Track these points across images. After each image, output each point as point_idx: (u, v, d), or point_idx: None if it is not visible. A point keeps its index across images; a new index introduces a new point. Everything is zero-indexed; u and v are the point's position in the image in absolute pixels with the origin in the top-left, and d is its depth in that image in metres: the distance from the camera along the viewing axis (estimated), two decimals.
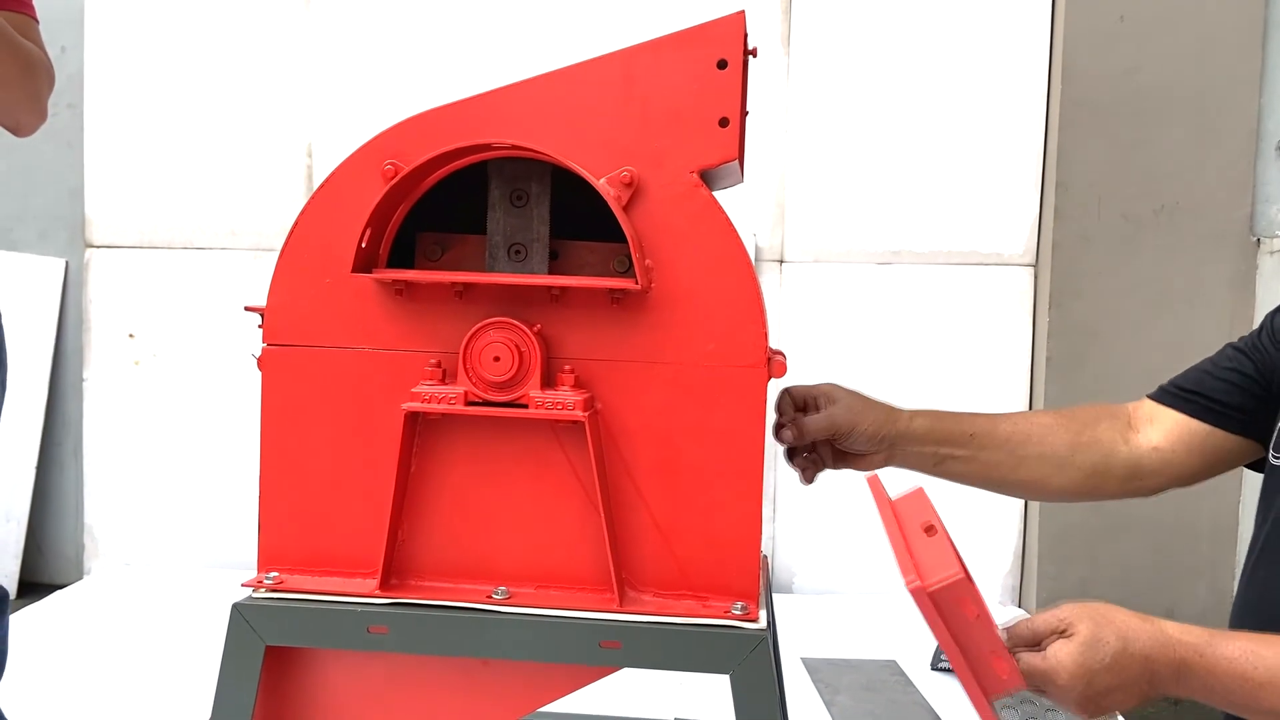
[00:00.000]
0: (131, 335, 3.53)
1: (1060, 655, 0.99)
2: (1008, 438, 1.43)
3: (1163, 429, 1.47)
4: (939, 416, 1.41)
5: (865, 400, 1.36)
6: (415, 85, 3.32)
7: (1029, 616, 1.05)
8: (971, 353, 3.32)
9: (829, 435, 1.34)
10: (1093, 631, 0.99)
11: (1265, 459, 1.40)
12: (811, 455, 1.37)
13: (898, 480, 1.47)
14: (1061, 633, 1.01)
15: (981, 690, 0.95)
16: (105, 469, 3.53)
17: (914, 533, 1.03)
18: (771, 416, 1.30)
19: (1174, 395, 1.49)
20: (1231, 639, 1.02)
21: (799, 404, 1.35)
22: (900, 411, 1.39)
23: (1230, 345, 1.51)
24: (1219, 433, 1.45)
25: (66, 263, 3.78)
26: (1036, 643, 1.02)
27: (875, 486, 1.16)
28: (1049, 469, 1.44)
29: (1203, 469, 1.47)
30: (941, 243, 3.32)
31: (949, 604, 0.93)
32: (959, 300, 3.32)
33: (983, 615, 0.94)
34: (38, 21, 1.75)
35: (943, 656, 2.41)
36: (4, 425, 1.79)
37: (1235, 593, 1.42)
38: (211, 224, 3.49)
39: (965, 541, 1.13)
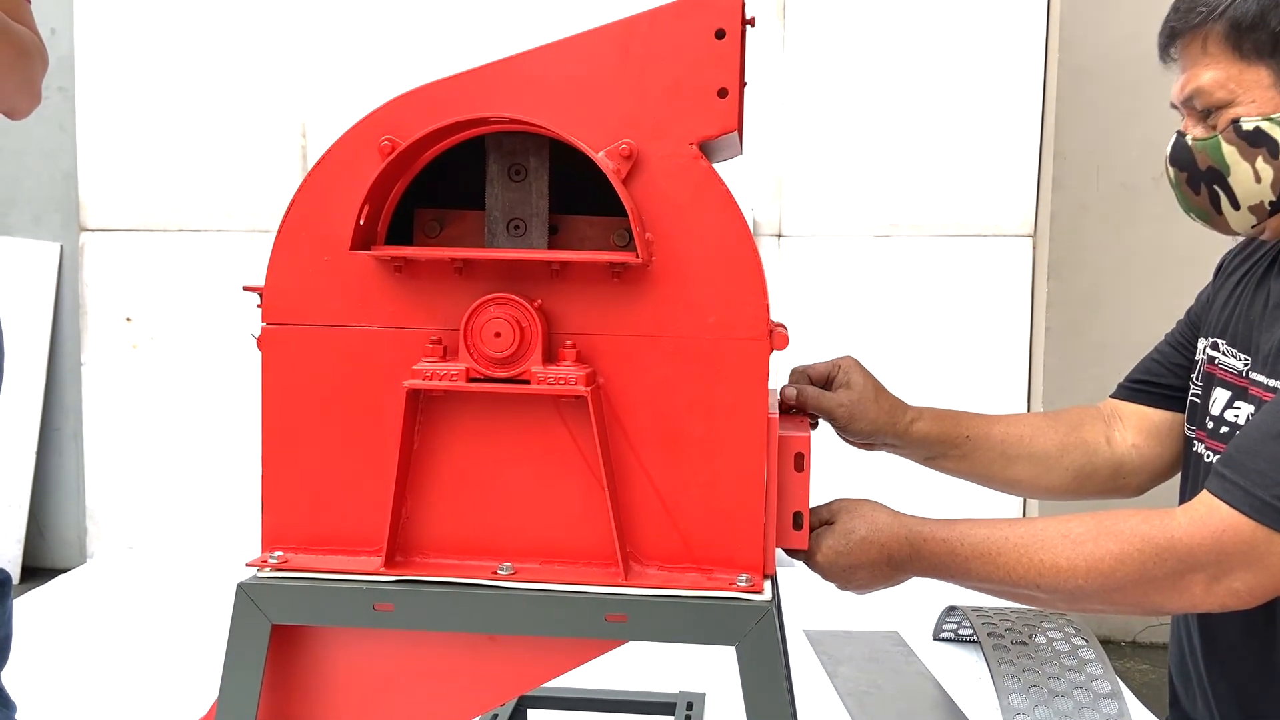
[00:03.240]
0: (129, 319, 3.52)
1: (819, 540, 1.18)
2: (1001, 439, 1.47)
3: (1132, 425, 1.50)
4: (940, 419, 1.43)
5: (875, 393, 1.35)
6: (409, 64, 3.30)
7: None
8: (971, 325, 3.32)
9: (826, 418, 1.34)
10: (845, 522, 1.19)
11: None
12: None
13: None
14: (827, 522, 1.20)
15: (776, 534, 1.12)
16: (106, 453, 3.53)
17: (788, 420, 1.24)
18: (778, 390, 1.30)
19: (1129, 389, 1.53)
20: (955, 525, 1.19)
21: (816, 379, 1.36)
22: (905, 411, 1.39)
23: (1179, 322, 1.51)
24: (1178, 417, 1.45)
25: (61, 247, 3.77)
26: (817, 526, 1.21)
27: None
28: (1038, 469, 1.48)
29: (1176, 458, 1.48)
30: (940, 215, 3.31)
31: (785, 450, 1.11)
32: (958, 273, 3.32)
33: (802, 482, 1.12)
34: (29, 1, 1.73)
35: (944, 626, 2.42)
36: (3, 410, 1.78)
37: None
38: (207, 206, 3.48)
39: None
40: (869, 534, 1.17)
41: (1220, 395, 1.34)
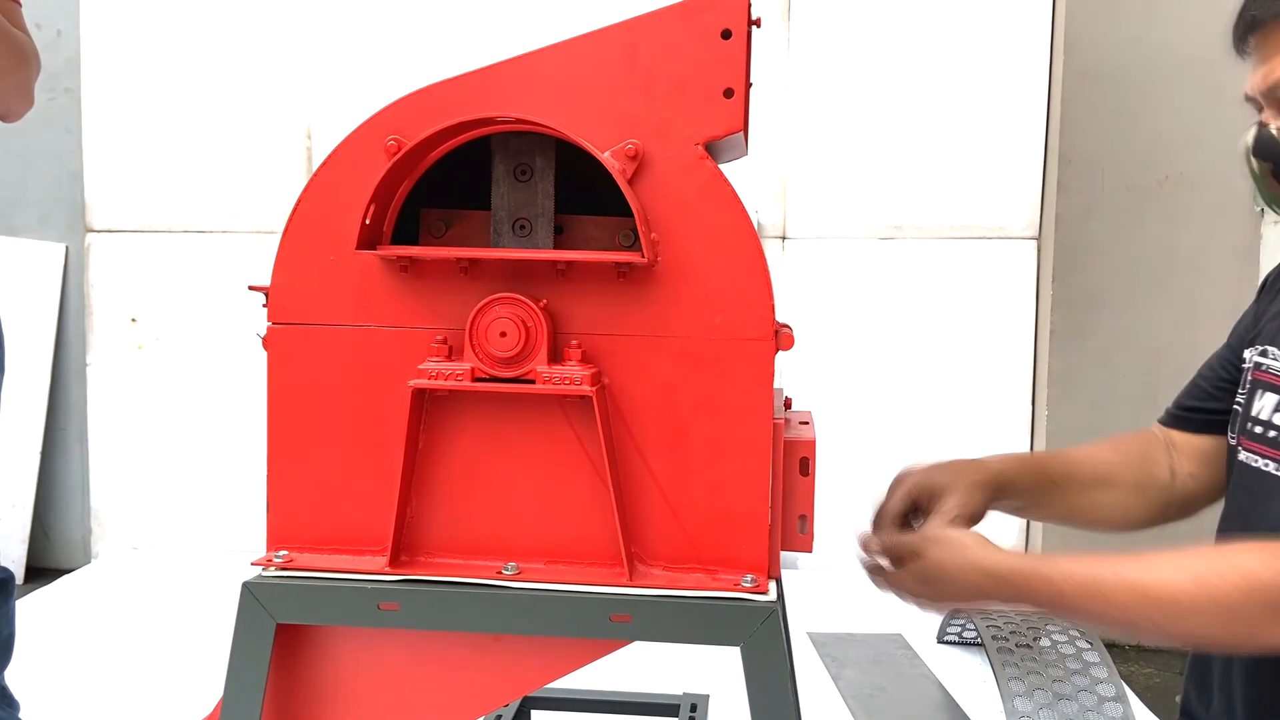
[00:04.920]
0: (134, 320, 3.52)
1: (907, 576, 1.19)
2: (1084, 480, 1.46)
3: (1185, 454, 1.49)
4: (1021, 469, 1.41)
5: (969, 512, 1.30)
6: (414, 64, 3.30)
7: (896, 535, 1.25)
8: (976, 328, 3.31)
9: None
10: (935, 555, 1.18)
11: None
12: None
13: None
14: (915, 553, 1.19)
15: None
16: (110, 453, 3.53)
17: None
18: (782, 391, 1.29)
19: (1177, 416, 1.52)
20: (1057, 562, 1.16)
21: (896, 519, 1.30)
22: (984, 491, 1.33)
23: (1223, 345, 1.50)
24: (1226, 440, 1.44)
25: (67, 247, 3.78)
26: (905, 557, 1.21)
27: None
28: (1118, 511, 1.47)
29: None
30: (944, 217, 3.31)
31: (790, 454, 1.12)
32: (963, 275, 3.32)
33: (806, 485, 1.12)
34: (20, 5, 1.74)
35: (949, 629, 2.42)
36: (7, 411, 1.78)
37: None
38: (212, 207, 3.48)
39: None
40: (958, 572, 1.16)
41: (1269, 400, 1.32)
